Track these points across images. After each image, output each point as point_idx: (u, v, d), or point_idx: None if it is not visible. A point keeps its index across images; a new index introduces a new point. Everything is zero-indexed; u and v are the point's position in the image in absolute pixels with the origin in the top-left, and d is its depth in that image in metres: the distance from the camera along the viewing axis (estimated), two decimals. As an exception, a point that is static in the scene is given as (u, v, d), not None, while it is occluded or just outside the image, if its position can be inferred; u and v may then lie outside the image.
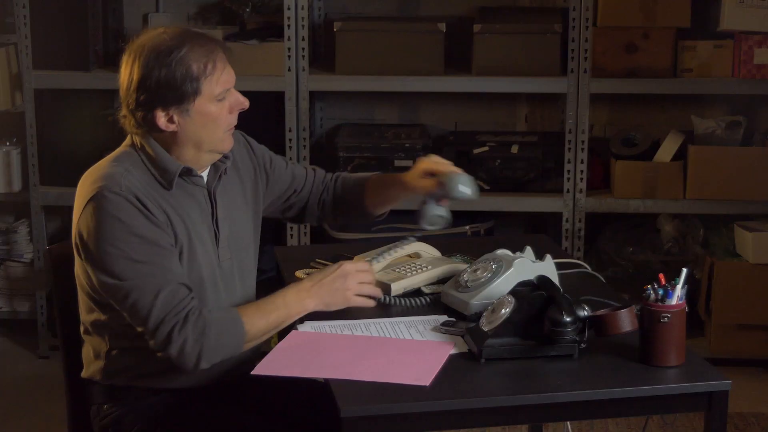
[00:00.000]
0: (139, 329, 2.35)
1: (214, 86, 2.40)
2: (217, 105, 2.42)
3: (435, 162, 2.64)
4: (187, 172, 2.46)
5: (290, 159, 2.84)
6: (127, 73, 2.40)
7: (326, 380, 2.22)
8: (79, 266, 2.45)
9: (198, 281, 2.46)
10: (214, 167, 2.53)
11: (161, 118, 2.39)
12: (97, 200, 2.33)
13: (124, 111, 2.44)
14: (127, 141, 2.50)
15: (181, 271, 2.38)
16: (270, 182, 2.71)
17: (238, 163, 2.62)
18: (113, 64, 4.57)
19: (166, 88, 2.36)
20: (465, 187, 2.58)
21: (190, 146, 2.44)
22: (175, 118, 2.39)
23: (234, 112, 2.46)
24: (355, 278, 2.50)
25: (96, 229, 2.33)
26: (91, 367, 2.51)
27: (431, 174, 2.62)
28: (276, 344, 2.41)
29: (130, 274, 2.32)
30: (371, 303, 2.55)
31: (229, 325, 2.36)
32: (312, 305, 2.46)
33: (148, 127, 2.41)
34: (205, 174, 2.52)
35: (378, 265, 2.69)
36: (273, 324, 2.43)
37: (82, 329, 2.53)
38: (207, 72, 2.39)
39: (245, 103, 2.47)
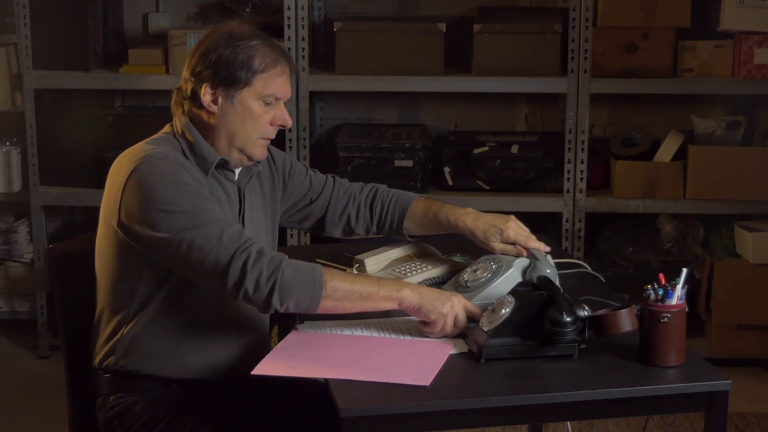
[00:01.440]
0: (208, 281, 2.34)
1: (265, 86, 2.45)
2: (261, 106, 2.47)
3: (521, 234, 2.63)
4: (224, 165, 2.49)
5: (314, 170, 2.80)
6: (198, 43, 2.48)
7: (326, 380, 2.22)
8: (104, 245, 2.46)
9: None
10: (246, 167, 2.57)
11: (207, 95, 2.44)
12: (142, 168, 2.37)
13: (180, 82, 2.50)
14: (166, 128, 2.55)
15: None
16: (287, 190, 2.74)
17: (261, 172, 2.64)
18: (113, 64, 4.59)
19: (223, 66, 2.42)
20: (549, 269, 2.57)
21: (225, 137, 2.48)
22: (220, 100, 2.45)
23: (275, 125, 2.50)
24: (460, 304, 2.39)
25: (147, 192, 2.35)
26: (101, 352, 2.51)
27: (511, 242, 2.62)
28: (276, 344, 2.41)
29: (190, 224, 2.33)
30: (453, 332, 2.39)
31: (308, 269, 2.35)
32: (407, 293, 2.37)
33: (193, 100, 2.46)
34: (237, 171, 2.55)
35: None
36: (357, 292, 2.36)
37: (96, 315, 2.53)
38: (265, 70, 2.45)
39: (288, 123, 2.51)
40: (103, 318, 2.52)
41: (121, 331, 2.48)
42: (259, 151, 2.51)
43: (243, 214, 2.56)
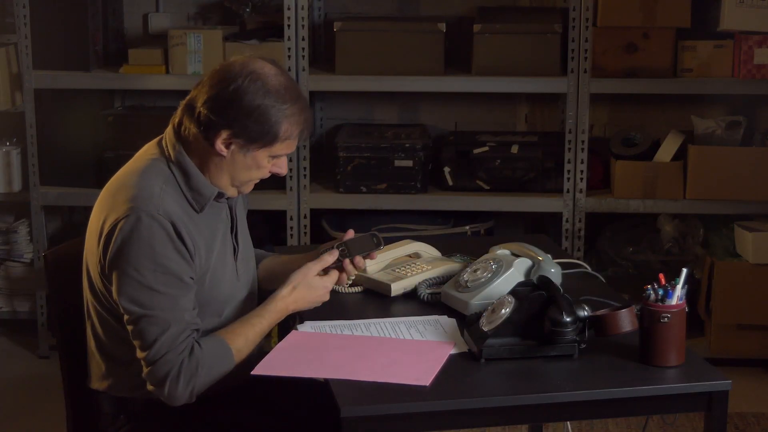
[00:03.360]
0: (138, 354, 2.35)
1: (281, 148, 2.42)
2: (268, 160, 2.43)
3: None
4: (219, 196, 2.46)
5: None
6: (225, 73, 2.38)
7: (326, 380, 2.22)
8: (99, 281, 2.41)
9: (221, 300, 2.47)
10: None
11: (221, 139, 2.37)
12: (131, 221, 2.31)
13: (193, 100, 2.40)
14: (153, 150, 2.46)
15: (192, 307, 2.37)
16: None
17: None
18: (113, 64, 4.58)
19: (251, 123, 2.36)
20: (554, 269, 2.62)
21: (226, 176, 2.44)
22: (233, 147, 2.39)
23: (272, 172, 2.47)
24: (327, 290, 2.52)
25: (126, 250, 2.31)
26: (103, 383, 2.49)
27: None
28: (276, 344, 2.41)
29: (146, 302, 2.31)
30: (343, 282, 2.60)
31: (220, 358, 2.37)
32: (288, 307, 2.49)
33: (205, 134, 2.38)
34: None
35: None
36: (253, 339, 2.45)
37: (93, 344, 2.49)
38: (289, 137, 2.40)
39: (283, 172, 2.48)
40: (100, 353, 2.48)
41: (124, 370, 2.44)
42: (248, 189, 2.51)
43: (236, 231, 2.54)
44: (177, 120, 2.44)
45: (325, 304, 2.54)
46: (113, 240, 2.32)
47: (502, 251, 2.68)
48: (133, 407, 2.47)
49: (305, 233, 4.44)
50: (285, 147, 2.42)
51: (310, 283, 2.49)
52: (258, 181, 2.50)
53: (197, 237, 2.41)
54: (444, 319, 2.51)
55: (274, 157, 2.43)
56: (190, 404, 2.45)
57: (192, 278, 2.38)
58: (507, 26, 4.35)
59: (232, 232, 2.53)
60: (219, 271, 2.47)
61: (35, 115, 4.44)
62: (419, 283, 2.69)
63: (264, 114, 2.36)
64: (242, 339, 2.41)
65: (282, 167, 2.47)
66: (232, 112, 2.35)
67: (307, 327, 2.49)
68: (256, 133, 2.37)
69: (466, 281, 2.58)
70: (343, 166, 4.37)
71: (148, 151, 2.48)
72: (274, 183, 4.33)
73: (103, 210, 2.39)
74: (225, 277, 2.48)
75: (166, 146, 2.45)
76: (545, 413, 2.24)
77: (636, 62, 4.28)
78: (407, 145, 4.38)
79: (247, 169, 2.43)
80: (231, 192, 2.48)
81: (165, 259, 2.32)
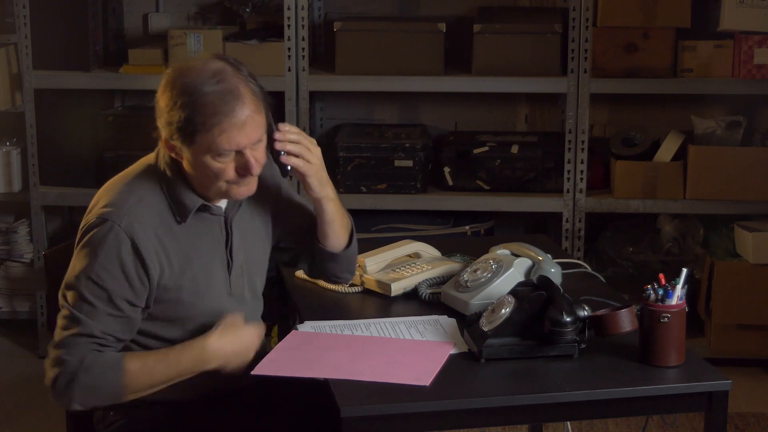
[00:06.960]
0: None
1: (210, 142, 2.27)
2: (215, 160, 2.30)
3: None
4: (204, 209, 2.41)
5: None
6: (165, 73, 2.35)
7: (326, 380, 2.22)
8: None
9: (205, 312, 2.41)
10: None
11: (163, 140, 2.34)
12: (93, 225, 2.33)
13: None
14: (151, 158, 2.43)
15: (112, 327, 2.31)
16: (277, 218, 2.61)
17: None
18: (113, 64, 4.58)
19: (172, 119, 2.28)
20: (554, 269, 2.60)
21: (197, 183, 2.38)
22: (177, 147, 2.32)
23: (239, 172, 2.33)
24: (254, 344, 2.41)
25: (80, 249, 2.34)
26: None
27: None
28: (276, 344, 2.41)
29: (70, 299, 2.32)
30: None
31: (105, 371, 2.30)
32: (208, 363, 2.37)
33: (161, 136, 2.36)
34: (223, 203, 2.45)
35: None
36: (160, 382, 2.35)
37: None
38: (206, 127, 2.26)
39: (252, 171, 2.32)
40: None
41: None
42: (237, 192, 2.37)
43: (231, 246, 2.45)
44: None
45: (325, 303, 2.53)
46: (77, 239, 2.36)
47: (502, 251, 2.68)
48: (124, 405, 2.46)
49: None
50: (213, 141, 2.26)
51: (235, 324, 2.38)
52: (232, 184, 2.34)
53: (170, 249, 2.36)
54: (444, 319, 2.51)
55: (219, 155, 2.29)
56: (188, 403, 2.45)
57: (130, 303, 2.32)
58: (507, 26, 4.35)
59: (226, 247, 2.46)
60: (201, 284, 2.41)
61: (35, 115, 4.44)
62: (419, 283, 2.69)
63: (178, 109, 2.26)
64: (140, 363, 2.33)
65: (246, 166, 2.31)
66: (160, 113, 2.32)
67: (307, 327, 2.49)
68: (177, 129, 2.28)
69: (466, 281, 2.58)
70: (343, 166, 4.37)
71: (150, 156, 2.46)
72: (274, 183, 4.35)
73: (90, 208, 2.41)
74: (211, 291, 2.42)
75: (159, 155, 2.43)
76: (545, 413, 2.24)
77: (636, 62, 4.28)
78: (407, 145, 4.38)
79: (201, 172, 2.32)
80: (215, 199, 2.41)
81: (103, 272, 2.30)
